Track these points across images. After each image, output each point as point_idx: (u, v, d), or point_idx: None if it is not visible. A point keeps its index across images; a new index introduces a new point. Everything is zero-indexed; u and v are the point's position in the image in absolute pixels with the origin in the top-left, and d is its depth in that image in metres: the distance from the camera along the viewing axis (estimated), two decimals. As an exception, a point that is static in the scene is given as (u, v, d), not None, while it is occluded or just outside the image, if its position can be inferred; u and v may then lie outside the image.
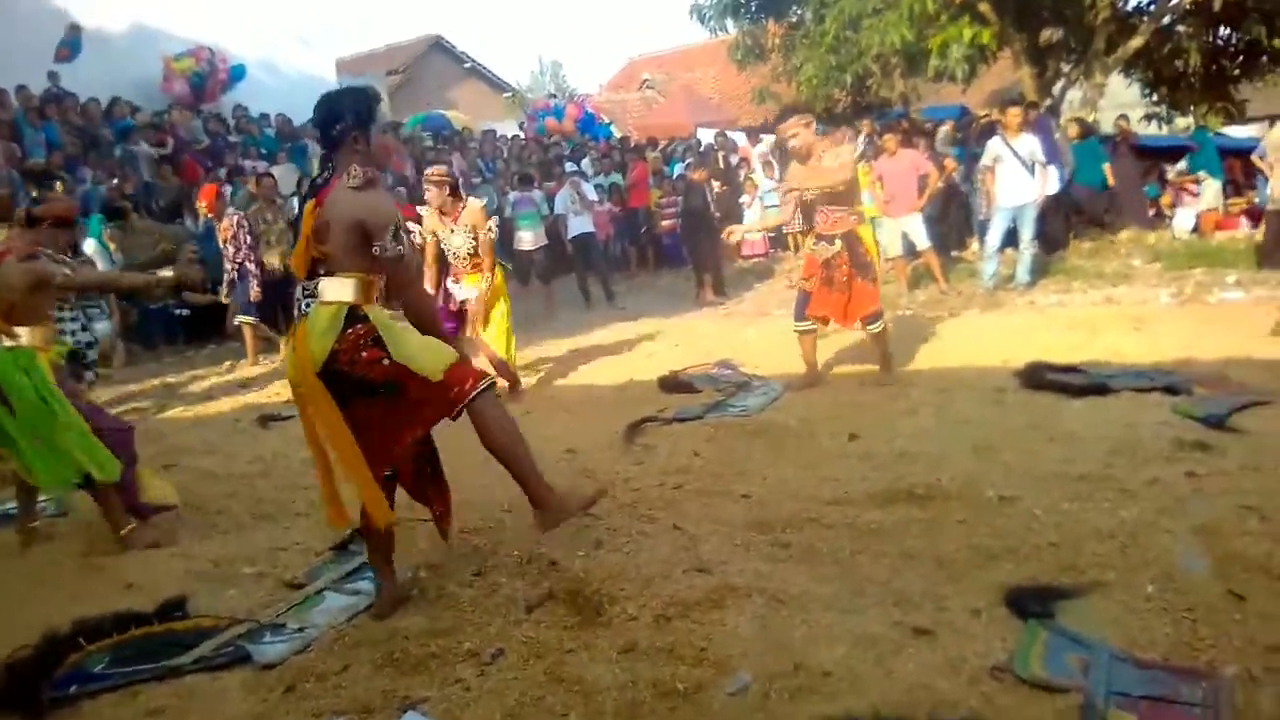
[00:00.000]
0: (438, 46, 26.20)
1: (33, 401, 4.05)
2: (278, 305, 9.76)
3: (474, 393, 2.98)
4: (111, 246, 9.43)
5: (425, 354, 2.97)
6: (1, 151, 10.08)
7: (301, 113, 14.71)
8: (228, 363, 9.29)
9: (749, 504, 3.88)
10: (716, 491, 4.08)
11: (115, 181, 10.93)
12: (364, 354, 2.92)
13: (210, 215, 9.22)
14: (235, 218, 9.15)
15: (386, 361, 2.92)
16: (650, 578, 3.16)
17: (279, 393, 7.50)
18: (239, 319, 9.20)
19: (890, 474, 4.04)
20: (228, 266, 9.11)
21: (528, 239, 11.04)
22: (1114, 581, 2.85)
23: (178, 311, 10.31)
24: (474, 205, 6.40)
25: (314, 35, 17.76)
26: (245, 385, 8.25)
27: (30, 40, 12.70)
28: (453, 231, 6.22)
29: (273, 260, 9.40)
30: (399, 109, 20.11)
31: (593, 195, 11.65)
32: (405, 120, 17.55)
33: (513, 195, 11.39)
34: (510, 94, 27.76)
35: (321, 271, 3.02)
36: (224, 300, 9.28)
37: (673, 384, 6.34)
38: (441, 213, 6.22)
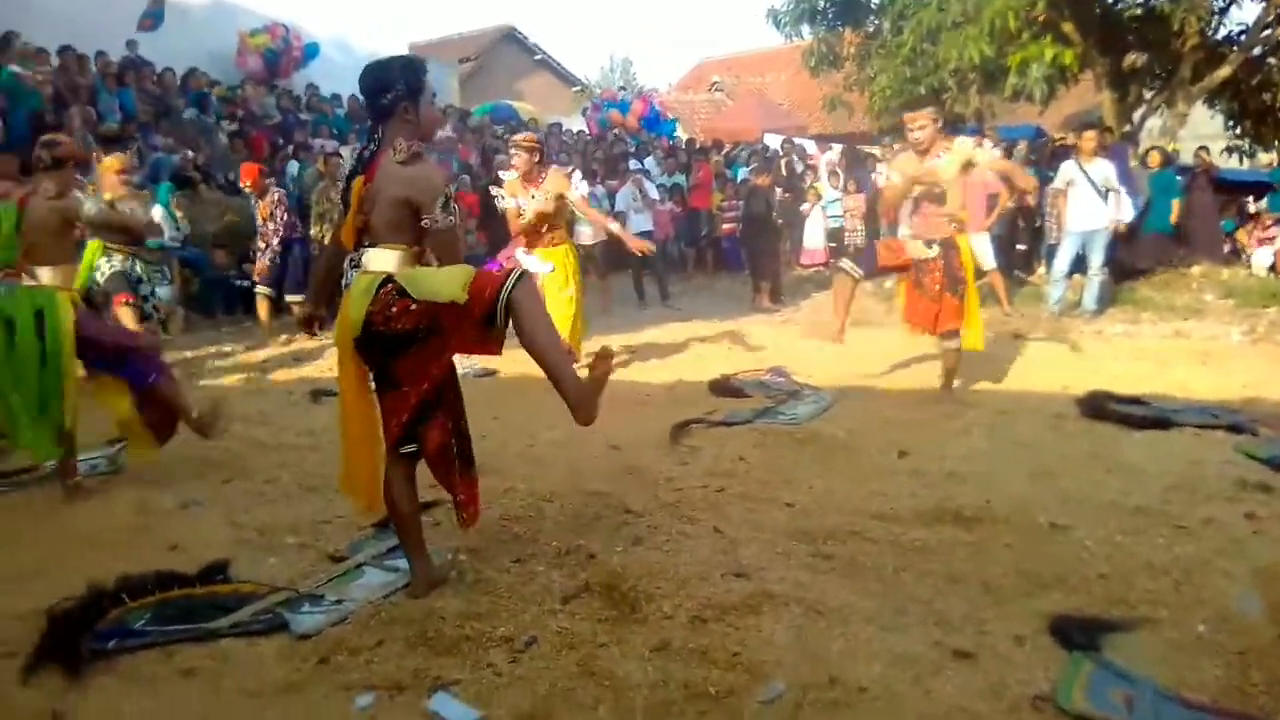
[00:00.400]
0: (510, 37, 26.39)
1: (32, 343, 4.12)
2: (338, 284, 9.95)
3: (507, 283, 2.85)
4: (178, 214, 9.64)
5: (443, 282, 2.90)
6: (78, 115, 10.35)
7: (374, 95, 14.98)
8: (284, 336, 9.44)
9: (793, 512, 3.83)
10: (760, 498, 4.03)
11: (189, 152, 11.17)
12: (394, 308, 2.90)
13: (253, 192, 9.26)
14: (277, 195, 9.18)
15: (414, 306, 2.89)
16: (688, 578, 3.13)
17: (331, 368, 7.60)
18: (289, 299, 9.13)
19: (939, 493, 3.96)
20: (260, 245, 9.13)
21: (587, 234, 11.04)
22: (1164, 619, 2.76)
23: (238, 282, 10.49)
24: (557, 171, 6.44)
25: (389, 17, 18.05)
26: (300, 359, 8.37)
27: (116, 8, 13.05)
28: (533, 197, 6.22)
29: (338, 237, 9.54)
30: (469, 97, 20.32)
31: (655, 194, 11.65)
32: (473, 109, 17.71)
33: (575, 189, 11.42)
34: (579, 88, 27.86)
35: (366, 243, 3.05)
36: (255, 279, 9.33)
37: (723, 387, 6.30)
38: (526, 180, 6.22)
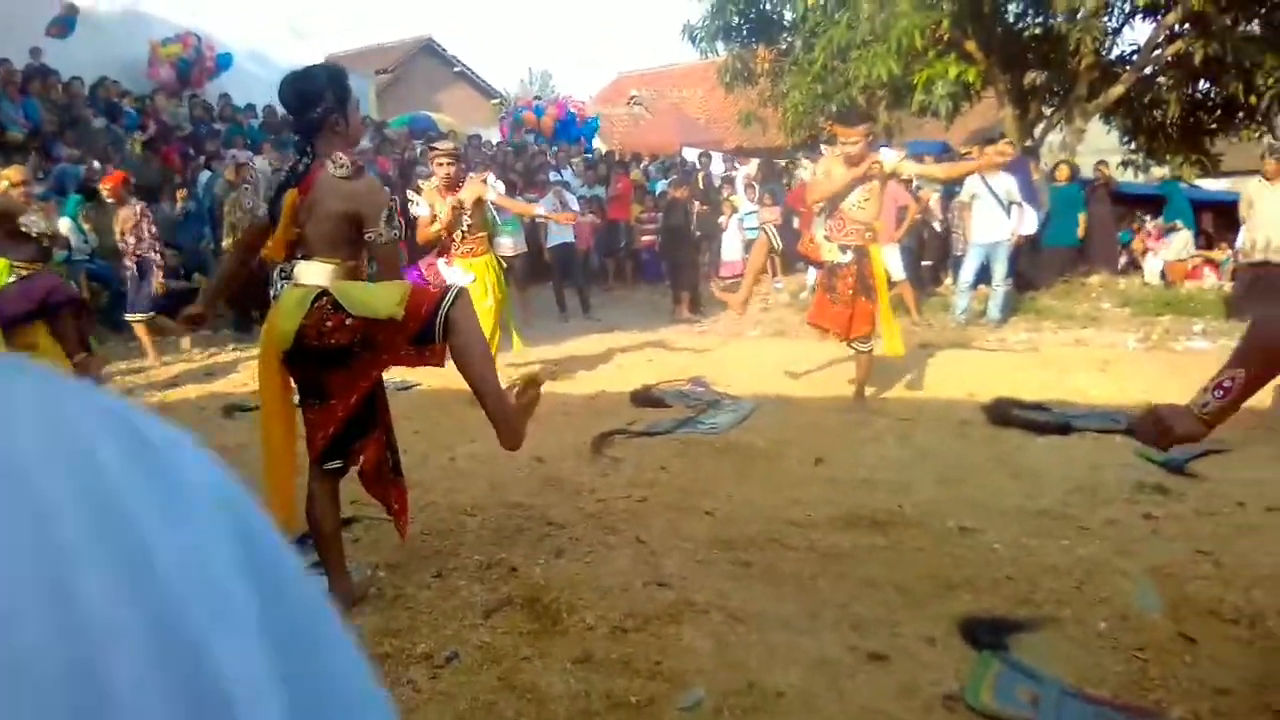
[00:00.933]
0: (428, 48, 26.13)
1: None
2: (251, 297, 9.75)
3: (445, 301, 2.84)
4: (86, 227, 9.29)
5: (380, 298, 2.87)
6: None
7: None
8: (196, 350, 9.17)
9: (713, 521, 3.88)
10: (681, 507, 4.08)
11: (96, 163, 10.79)
12: (329, 323, 2.86)
13: (111, 200, 8.72)
14: (138, 207, 8.63)
15: (349, 321, 2.85)
16: (610, 588, 3.15)
17: (245, 383, 7.43)
18: (129, 317, 8.74)
19: (854, 499, 4.06)
20: (127, 262, 8.60)
21: (507, 245, 10.97)
22: (1068, 617, 2.88)
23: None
24: (474, 178, 6.39)
25: (306, 27, 17.76)
26: (212, 373, 8.16)
27: (19, 15, 12.54)
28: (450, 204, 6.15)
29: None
30: (387, 109, 20.05)
31: (575, 206, 11.66)
32: (390, 120, 17.50)
33: (494, 201, 11.36)
34: (498, 100, 27.72)
35: (299, 255, 3.00)
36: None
37: (644, 398, 6.34)
38: (446, 189, 6.14)
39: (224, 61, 15.21)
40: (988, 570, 3.24)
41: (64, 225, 8.91)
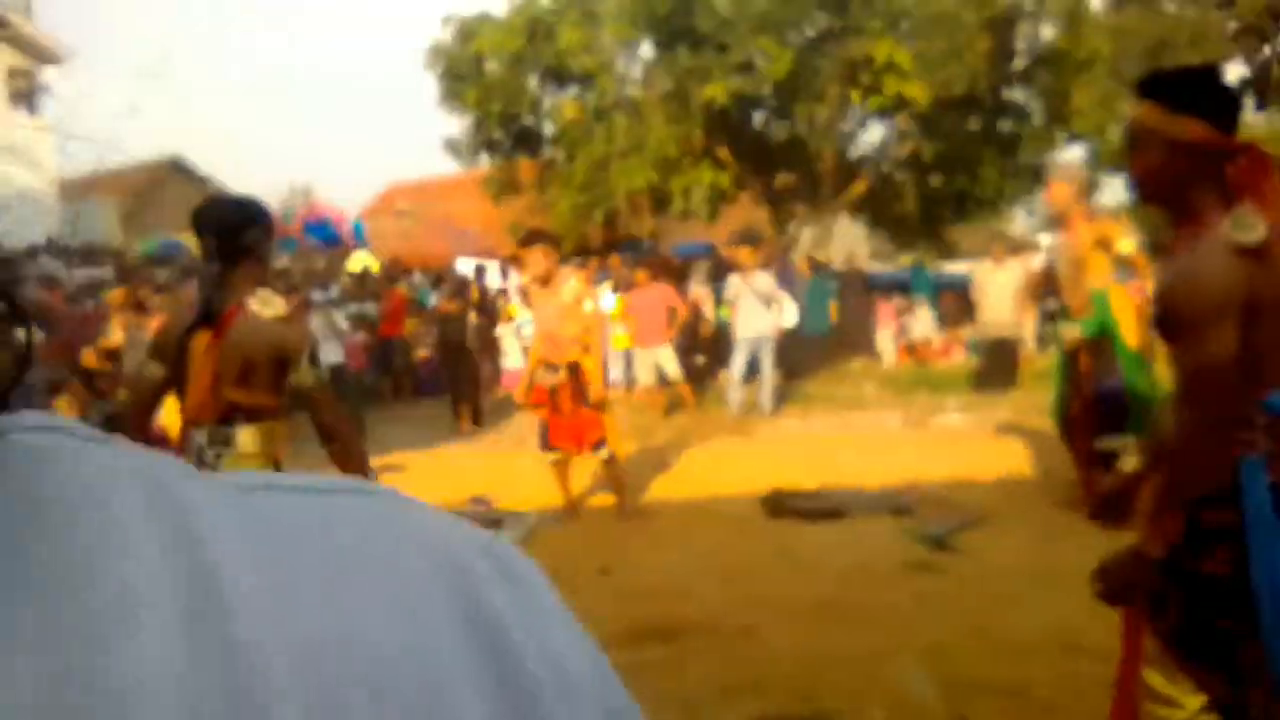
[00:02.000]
0: (178, 168, 24.88)
1: None
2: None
3: None
4: None
5: None
6: None
7: (16, 234, 13.44)
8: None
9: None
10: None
11: None
12: None
13: None
14: None
15: None
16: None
17: None
18: None
19: (639, 610, 3.91)
20: None
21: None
22: (847, 710, 2.84)
23: None
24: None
25: (34, 149, 16.40)
26: None
27: None
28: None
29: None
30: (133, 233, 18.78)
31: (344, 324, 11.18)
32: (137, 246, 16.38)
33: (254, 324, 10.74)
34: (262, 219, 26.63)
35: (236, 417, 2.57)
36: None
37: (422, 523, 5.97)
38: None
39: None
40: (772, 670, 3.19)
41: None
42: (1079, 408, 4.80)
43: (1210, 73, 1.92)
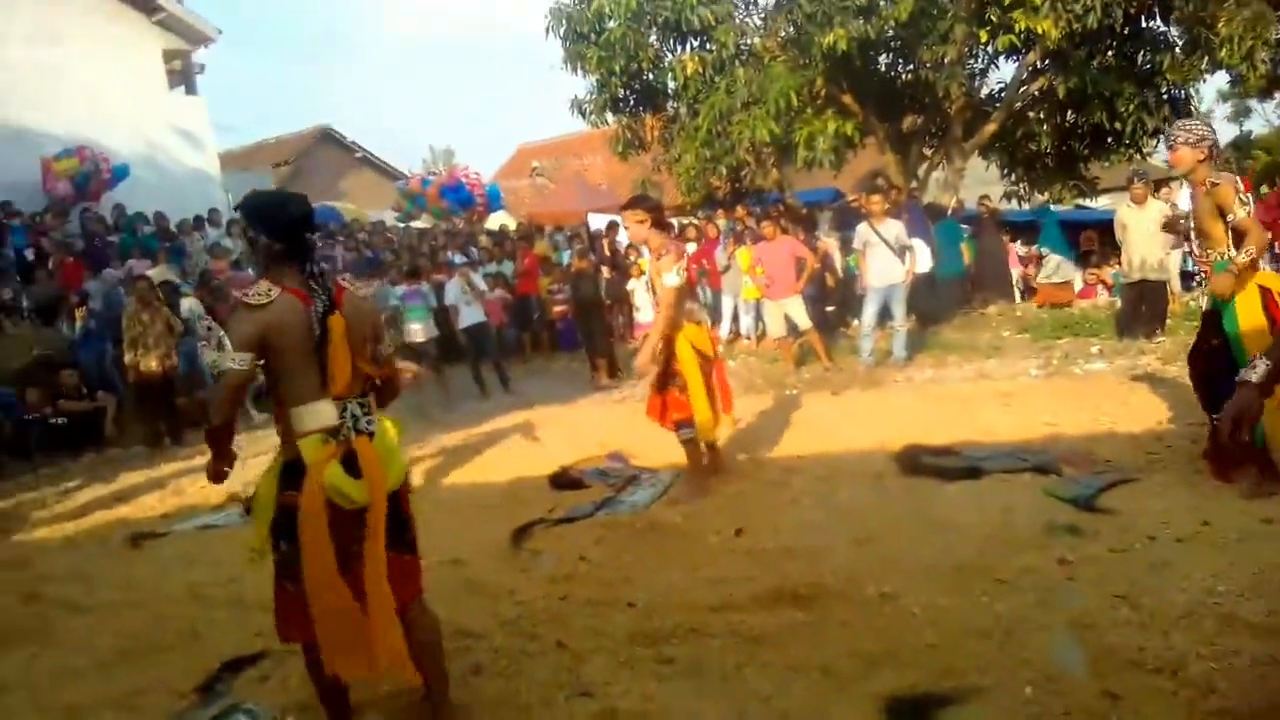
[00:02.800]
0: (327, 136, 26.02)
1: None
2: (159, 412, 9.56)
3: None
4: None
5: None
6: None
7: (187, 208, 14.47)
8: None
9: (634, 614, 3.81)
10: (602, 600, 4.00)
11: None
12: (410, 491, 2.97)
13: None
14: None
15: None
16: (530, 705, 3.06)
17: (154, 506, 7.16)
18: None
19: (775, 572, 4.03)
20: None
21: (418, 331, 10.90)
22: (992, 685, 2.86)
23: (54, 420, 9.77)
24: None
25: (196, 129, 17.46)
26: (121, 498, 7.80)
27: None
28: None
29: (150, 364, 9.21)
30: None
31: (482, 285, 11.62)
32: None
33: (400, 288, 11.27)
34: (403, 180, 27.63)
35: (345, 391, 2.79)
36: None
37: (563, 480, 6.27)
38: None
39: (120, 173, 14.93)
40: (910, 639, 3.23)
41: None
42: (1200, 369, 4.64)
43: None
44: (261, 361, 2.74)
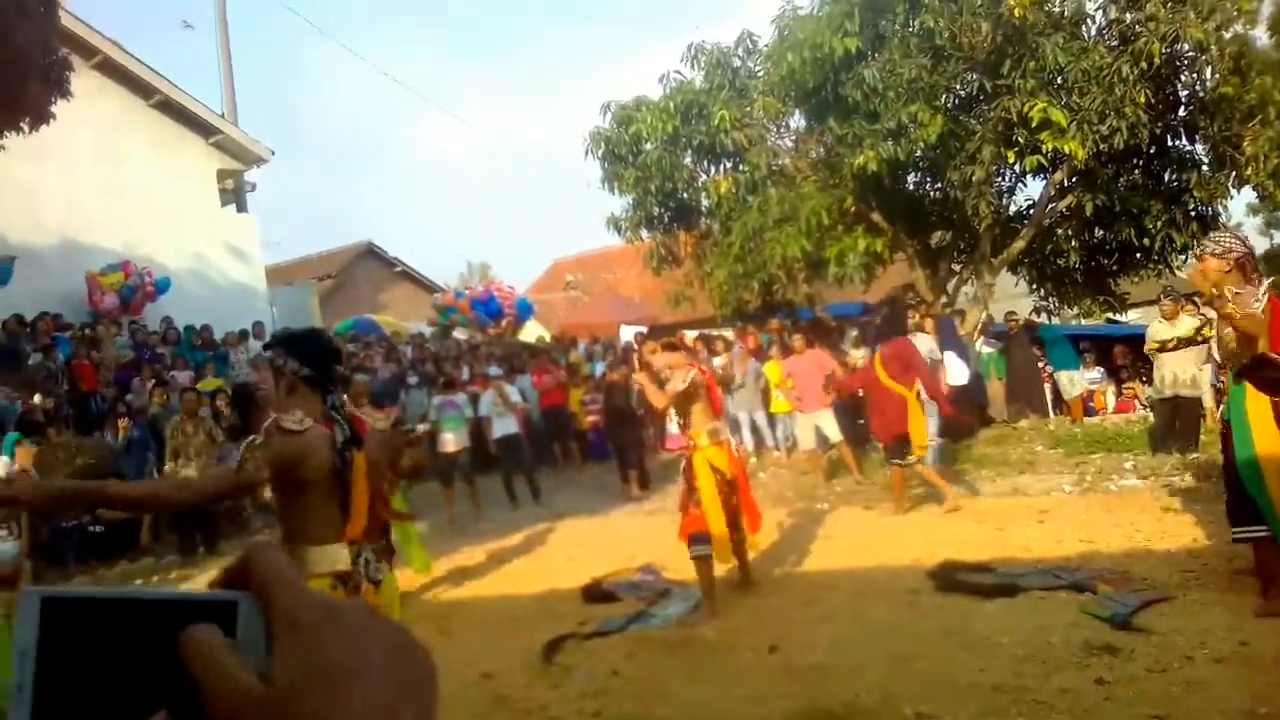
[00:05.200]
0: (369, 251, 26.84)
1: None
2: (195, 520, 9.64)
3: None
4: (23, 462, 9.15)
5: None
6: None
7: (232, 321, 14.94)
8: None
9: (668, 732, 3.80)
10: (636, 717, 3.99)
11: (35, 398, 10.74)
12: None
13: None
14: None
15: None
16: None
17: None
18: None
19: (809, 691, 4.01)
20: None
21: (451, 441, 11.03)
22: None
23: (91, 528, 9.92)
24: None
25: (245, 245, 18.13)
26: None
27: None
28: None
29: (189, 473, 9.37)
30: (330, 314, 20.42)
31: (516, 396, 11.80)
32: (335, 325, 17.83)
33: (437, 399, 11.47)
34: (438, 295, 28.30)
35: (383, 534, 2.84)
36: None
37: (595, 593, 6.27)
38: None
39: (163, 286, 15.47)
40: (947, 760, 3.20)
41: (1, 465, 8.80)
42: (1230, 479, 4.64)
43: None
44: (278, 493, 2.71)
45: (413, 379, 13.96)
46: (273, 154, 18.97)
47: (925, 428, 7.79)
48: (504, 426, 11.21)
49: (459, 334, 19.28)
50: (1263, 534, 4.37)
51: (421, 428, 10.08)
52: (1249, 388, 4.39)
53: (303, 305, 19.18)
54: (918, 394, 7.76)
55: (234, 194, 18.99)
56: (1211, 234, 4.98)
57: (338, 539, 2.72)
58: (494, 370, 12.88)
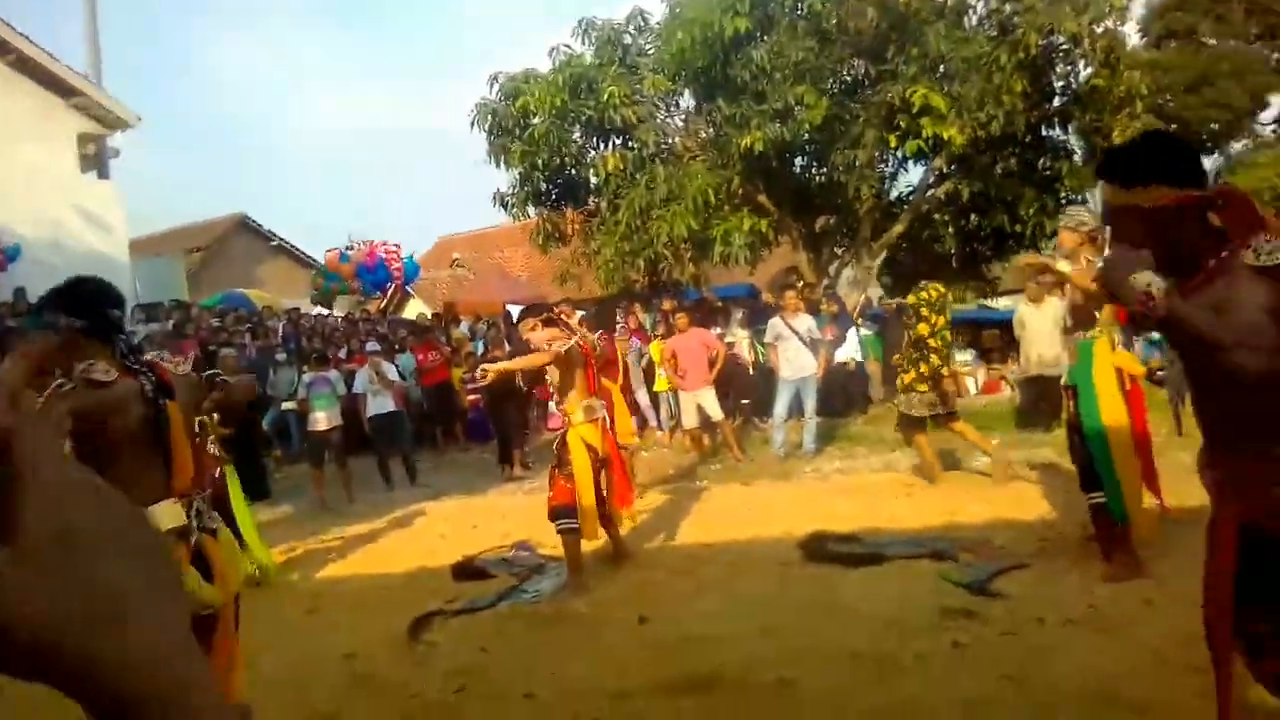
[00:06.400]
0: (243, 224, 25.73)
1: None
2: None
3: None
4: None
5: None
6: None
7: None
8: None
9: (533, 707, 3.70)
10: (500, 695, 3.88)
11: None
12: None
13: None
14: None
15: None
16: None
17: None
18: None
19: (675, 661, 3.97)
20: None
21: (322, 419, 10.61)
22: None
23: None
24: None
25: (107, 214, 17.08)
26: None
27: None
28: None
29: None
30: (201, 288, 19.46)
31: (393, 375, 11.45)
32: (201, 300, 17.01)
33: (308, 375, 11.02)
34: (318, 270, 27.37)
35: (211, 480, 2.73)
36: None
37: (466, 570, 6.13)
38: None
39: (12, 254, 14.48)
40: (807, 725, 3.20)
41: None
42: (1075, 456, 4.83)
43: (1159, 137, 2.01)
44: (90, 456, 2.40)
45: (281, 355, 13.39)
46: (139, 119, 17.91)
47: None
48: (380, 405, 10.86)
49: (339, 307, 18.69)
50: (1101, 500, 4.55)
51: (287, 405, 9.68)
52: (1097, 353, 4.58)
53: (169, 278, 18.26)
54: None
55: (95, 160, 17.89)
56: (1069, 209, 5.19)
57: (166, 494, 2.54)
58: (372, 346, 12.49)
